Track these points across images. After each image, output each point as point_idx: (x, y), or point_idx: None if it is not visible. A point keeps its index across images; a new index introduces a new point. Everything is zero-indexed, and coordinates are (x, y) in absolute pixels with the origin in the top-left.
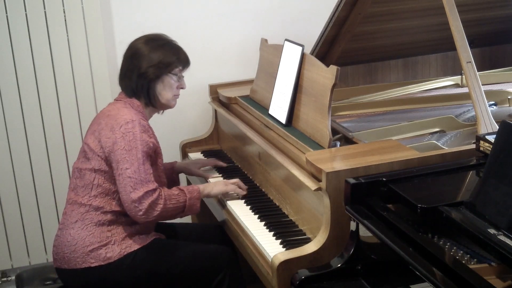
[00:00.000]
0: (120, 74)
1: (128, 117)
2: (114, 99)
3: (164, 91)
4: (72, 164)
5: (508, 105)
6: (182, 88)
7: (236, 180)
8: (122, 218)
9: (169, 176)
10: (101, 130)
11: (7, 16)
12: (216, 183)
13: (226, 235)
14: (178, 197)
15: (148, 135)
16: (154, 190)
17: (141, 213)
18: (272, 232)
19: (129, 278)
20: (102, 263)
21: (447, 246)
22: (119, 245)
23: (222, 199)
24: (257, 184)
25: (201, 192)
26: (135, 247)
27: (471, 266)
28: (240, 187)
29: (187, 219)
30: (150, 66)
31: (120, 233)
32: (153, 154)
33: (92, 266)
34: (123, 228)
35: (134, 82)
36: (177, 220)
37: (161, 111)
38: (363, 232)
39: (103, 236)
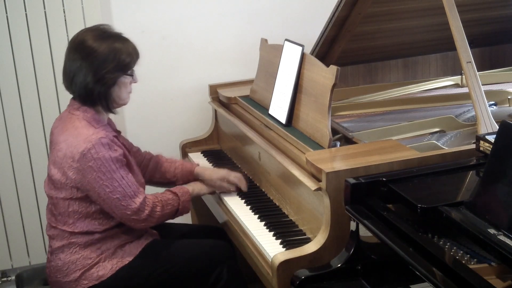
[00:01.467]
0: (68, 75)
1: (87, 142)
2: (68, 111)
3: (120, 92)
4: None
5: (508, 105)
6: (135, 82)
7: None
8: (109, 232)
9: (186, 178)
10: (62, 160)
11: (7, 16)
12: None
13: (223, 233)
14: (173, 201)
15: (113, 150)
16: (145, 198)
17: (140, 222)
18: (272, 232)
19: None
20: (96, 282)
21: (447, 246)
22: (109, 261)
23: (221, 197)
24: (257, 184)
25: (191, 193)
26: (127, 260)
27: (471, 266)
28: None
29: (188, 220)
30: (106, 72)
31: (109, 248)
32: (125, 161)
33: (86, 287)
34: (112, 241)
35: (90, 89)
36: (177, 220)
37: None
38: (363, 232)
39: (93, 256)
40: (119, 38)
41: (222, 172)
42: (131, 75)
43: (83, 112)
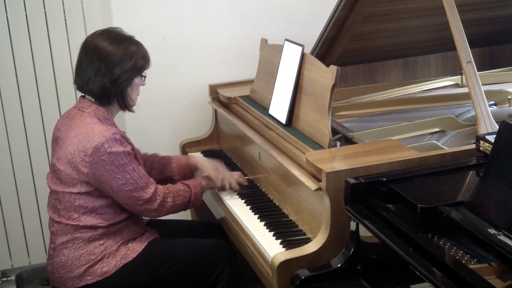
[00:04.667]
0: (83, 76)
1: (101, 137)
2: (78, 108)
3: (132, 94)
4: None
5: (508, 105)
6: (143, 85)
7: (238, 173)
8: (112, 228)
9: (183, 171)
10: (74, 155)
11: (7, 16)
12: (218, 176)
13: (224, 231)
14: (185, 192)
15: (124, 146)
16: (157, 188)
17: (152, 211)
18: (272, 232)
19: (129, 286)
20: (100, 278)
21: (447, 246)
22: (114, 258)
23: (221, 197)
24: (257, 184)
25: (204, 186)
26: (131, 256)
27: (471, 266)
28: (239, 182)
29: (187, 216)
30: (123, 72)
31: (113, 244)
32: (133, 154)
33: (90, 283)
34: (115, 238)
35: (107, 88)
36: (175, 217)
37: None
38: (363, 232)
39: (97, 252)
40: (132, 41)
41: (220, 168)
42: (144, 76)
43: (95, 110)
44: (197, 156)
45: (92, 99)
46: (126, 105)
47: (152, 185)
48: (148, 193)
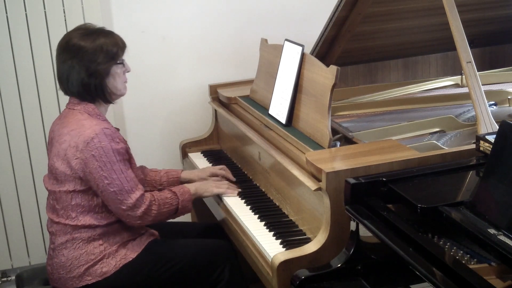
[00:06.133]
0: (62, 78)
1: (91, 131)
2: (68, 107)
3: (115, 83)
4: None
5: (508, 105)
6: (128, 71)
7: (226, 182)
8: (111, 227)
9: (172, 186)
10: (66, 151)
11: (7, 16)
12: (208, 185)
13: (224, 232)
14: (171, 200)
15: (116, 142)
16: (143, 195)
17: (135, 219)
18: (272, 232)
19: (129, 286)
20: (100, 279)
21: (447, 246)
22: (113, 258)
23: (221, 197)
24: (257, 184)
25: (192, 194)
26: (130, 257)
27: (471, 266)
28: (231, 188)
29: (187, 218)
30: (97, 64)
31: (112, 244)
32: (127, 157)
33: (89, 283)
34: (114, 238)
35: (86, 84)
36: (176, 219)
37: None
38: (363, 232)
39: (96, 252)
40: (102, 31)
41: (209, 169)
42: (122, 63)
43: (84, 106)
44: (189, 171)
45: (78, 99)
46: (107, 98)
47: (138, 191)
48: (133, 198)
